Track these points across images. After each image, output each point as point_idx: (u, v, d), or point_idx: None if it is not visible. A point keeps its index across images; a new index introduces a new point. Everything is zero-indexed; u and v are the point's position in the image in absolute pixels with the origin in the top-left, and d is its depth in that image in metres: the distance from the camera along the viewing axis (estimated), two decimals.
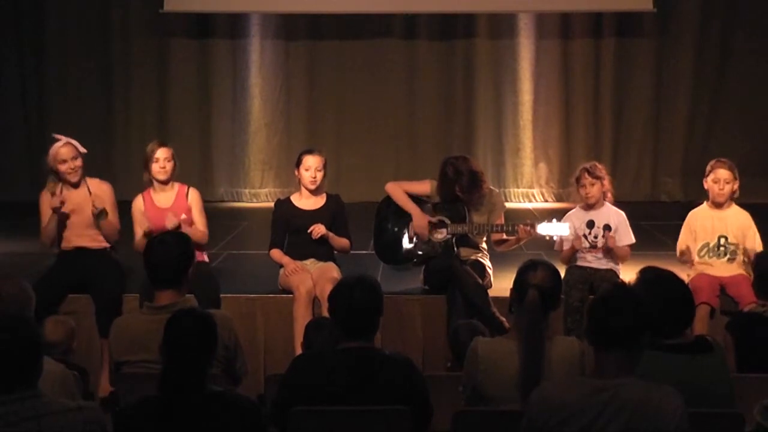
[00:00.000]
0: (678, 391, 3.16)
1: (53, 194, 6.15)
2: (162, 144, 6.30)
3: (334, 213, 6.32)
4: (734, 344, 4.51)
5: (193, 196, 6.33)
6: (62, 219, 6.16)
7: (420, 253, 6.31)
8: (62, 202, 6.07)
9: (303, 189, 6.33)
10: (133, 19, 10.59)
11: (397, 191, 6.41)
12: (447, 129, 10.75)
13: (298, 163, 6.33)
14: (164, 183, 6.26)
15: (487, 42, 10.64)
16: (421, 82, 10.72)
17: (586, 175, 6.07)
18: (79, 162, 6.17)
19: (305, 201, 6.33)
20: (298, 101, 10.77)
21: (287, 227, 6.33)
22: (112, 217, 6.26)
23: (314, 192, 6.31)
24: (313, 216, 6.26)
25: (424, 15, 10.55)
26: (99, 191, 6.25)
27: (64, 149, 6.13)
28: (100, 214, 6.11)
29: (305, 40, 10.70)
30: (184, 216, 6.18)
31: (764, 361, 4.16)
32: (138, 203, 6.29)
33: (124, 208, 6.36)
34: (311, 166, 6.24)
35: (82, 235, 6.21)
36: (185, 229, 6.04)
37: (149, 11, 10.41)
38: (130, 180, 9.65)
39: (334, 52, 10.70)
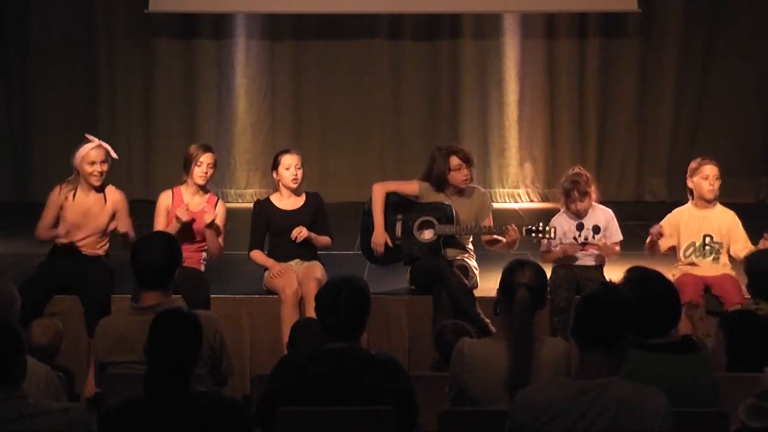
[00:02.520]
0: (663, 390, 3.18)
1: (66, 196, 6.12)
2: (208, 149, 6.32)
3: (314, 211, 6.35)
4: (726, 342, 4.51)
5: (221, 208, 6.34)
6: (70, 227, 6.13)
7: (406, 253, 6.34)
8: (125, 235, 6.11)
9: (283, 189, 6.34)
10: (118, 19, 10.56)
11: (378, 197, 6.41)
12: (432, 129, 10.76)
13: (276, 165, 6.34)
14: (202, 188, 6.29)
15: (472, 42, 10.67)
16: (407, 82, 10.74)
17: (575, 192, 6.04)
18: (106, 167, 6.13)
19: (286, 201, 6.35)
20: (283, 101, 10.78)
21: (268, 228, 6.36)
22: (129, 228, 6.20)
23: (295, 191, 6.33)
24: (295, 216, 6.29)
25: (409, 15, 10.56)
26: (113, 198, 6.23)
27: (95, 151, 6.08)
28: (210, 225, 6.16)
29: (290, 41, 10.71)
30: (194, 219, 6.16)
31: (755, 358, 4.14)
32: (166, 198, 6.31)
33: None
34: (291, 165, 6.27)
35: (87, 239, 6.15)
36: (210, 237, 6.17)
37: (134, 11, 10.37)
38: (115, 180, 9.63)
39: (319, 52, 10.72)
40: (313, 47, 10.71)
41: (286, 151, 6.40)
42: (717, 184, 6.06)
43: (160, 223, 6.23)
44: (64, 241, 6.05)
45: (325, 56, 10.71)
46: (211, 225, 6.16)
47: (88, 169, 6.06)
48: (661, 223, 6.18)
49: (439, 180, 6.29)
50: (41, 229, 6.18)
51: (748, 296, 5.18)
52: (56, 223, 6.16)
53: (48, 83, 10.60)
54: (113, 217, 6.23)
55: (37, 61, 10.58)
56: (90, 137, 6.16)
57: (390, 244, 6.34)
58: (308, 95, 10.79)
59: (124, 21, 10.56)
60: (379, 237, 6.31)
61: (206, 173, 6.24)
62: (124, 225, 6.20)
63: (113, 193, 6.25)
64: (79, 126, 10.34)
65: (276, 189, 6.42)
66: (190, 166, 6.24)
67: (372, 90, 10.79)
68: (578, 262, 6.03)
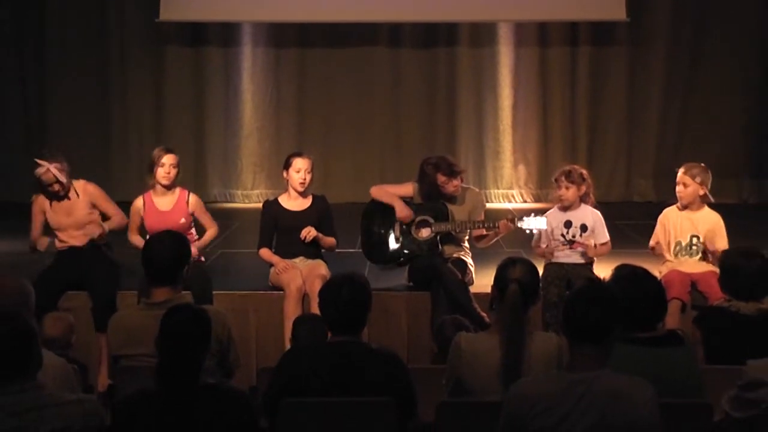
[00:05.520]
0: (650, 382, 3.21)
1: (44, 206, 6.27)
2: (169, 150, 6.42)
3: (320, 213, 6.39)
4: (702, 338, 4.54)
5: (193, 201, 6.47)
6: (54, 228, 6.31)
7: (406, 252, 6.42)
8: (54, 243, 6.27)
9: (291, 190, 6.39)
10: (130, 27, 10.66)
11: (381, 192, 6.55)
12: (430, 133, 10.83)
13: (287, 165, 6.38)
14: (167, 188, 6.39)
15: (468, 50, 10.76)
16: (406, 88, 10.82)
17: (563, 178, 6.15)
18: (62, 180, 6.19)
19: (293, 202, 6.41)
20: (287, 106, 10.84)
21: (275, 227, 6.39)
22: (112, 210, 6.39)
23: (302, 193, 6.38)
24: (301, 216, 6.34)
25: (409, 24, 10.64)
26: (86, 193, 6.35)
27: (45, 177, 6.16)
28: (94, 239, 6.24)
29: (295, 48, 10.78)
30: (183, 220, 6.33)
31: (729, 353, 4.19)
32: (138, 204, 6.42)
33: (122, 209, 6.48)
34: (301, 168, 6.32)
35: (73, 236, 6.29)
36: (202, 245, 6.39)
37: (145, 20, 10.48)
38: (127, 182, 9.88)
39: (322, 59, 10.78)
40: (317, 54, 10.80)
41: (299, 154, 6.44)
42: (681, 189, 6.13)
43: (134, 229, 6.39)
44: (60, 246, 6.24)
45: (328, 63, 10.78)
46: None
47: (49, 189, 6.24)
48: (654, 231, 6.26)
49: (430, 192, 6.38)
50: (33, 239, 6.31)
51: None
52: (47, 230, 6.33)
53: (63, 89, 10.69)
54: (93, 208, 6.36)
55: (52, 68, 10.67)
56: (39, 162, 6.17)
57: (411, 213, 6.38)
58: (312, 100, 10.86)
59: (136, 30, 10.65)
60: (404, 209, 6.38)
61: (169, 173, 6.33)
62: (108, 210, 6.37)
63: (84, 186, 6.36)
64: (93, 130, 10.65)
65: (286, 189, 6.48)
66: (155, 168, 6.35)
67: (372, 95, 10.86)
68: (568, 260, 6.08)
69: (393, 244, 6.51)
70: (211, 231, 6.55)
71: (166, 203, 6.43)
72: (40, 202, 6.34)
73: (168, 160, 6.38)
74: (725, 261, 4.79)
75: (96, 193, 6.42)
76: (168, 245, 4.34)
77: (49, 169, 6.16)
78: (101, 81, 10.79)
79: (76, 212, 6.31)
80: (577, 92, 10.86)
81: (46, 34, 10.69)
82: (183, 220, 6.37)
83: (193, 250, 5.93)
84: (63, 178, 6.20)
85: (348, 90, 10.89)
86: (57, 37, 10.68)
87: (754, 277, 4.60)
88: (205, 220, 6.56)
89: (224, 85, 10.85)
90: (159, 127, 10.84)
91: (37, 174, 6.19)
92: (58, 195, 6.28)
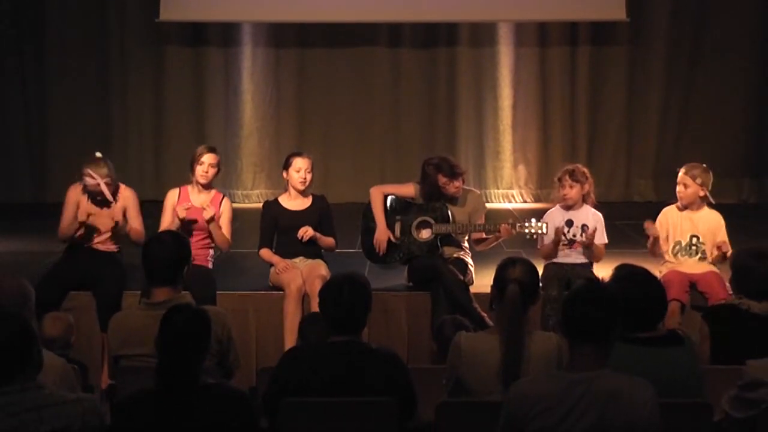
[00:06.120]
0: (650, 382, 3.23)
1: (80, 198, 6.26)
2: (211, 149, 6.45)
3: (320, 213, 6.42)
4: (710, 333, 4.60)
5: (225, 205, 6.46)
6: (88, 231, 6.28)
7: (406, 252, 6.43)
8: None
9: (291, 190, 6.43)
10: (130, 27, 10.64)
11: (377, 199, 6.52)
12: (430, 133, 10.83)
13: (287, 165, 6.40)
14: (204, 186, 6.40)
15: (468, 50, 10.72)
16: (406, 88, 10.77)
17: (567, 177, 6.18)
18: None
19: (293, 202, 6.44)
20: (287, 106, 10.82)
21: (276, 227, 6.42)
22: (138, 224, 6.37)
23: (302, 193, 6.41)
24: (301, 216, 6.37)
25: (409, 24, 10.65)
26: (122, 198, 6.36)
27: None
28: (116, 226, 6.27)
29: (295, 48, 10.74)
30: (196, 219, 6.29)
31: (737, 351, 4.21)
32: (173, 196, 6.43)
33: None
34: (302, 168, 6.35)
35: (103, 239, 6.33)
36: (215, 230, 6.28)
37: (145, 20, 10.46)
38: (126, 182, 9.73)
39: (322, 59, 10.74)
40: (317, 54, 10.75)
41: (299, 154, 6.46)
42: (681, 189, 6.16)
43: (165, 220, 6.34)
44: (83, 226, 6.17)
45: (328, 63, 10.73)
46: (211, 221, 6.23)
47: (199, 168, 6.33)
48: (654, 224, 6.22)
49: (431, 193, 6.40)
50: (64, 228, 6.29)
51: (731, 292, 5.18)
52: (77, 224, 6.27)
53: (63, 89, 10.69)
54: (124, 214, 6.36)
55: (52, 68, 10.68)
56: (91, 174, 6.17)
57: (393, 239, 6.41)
58: (312, 100, 10.83)
59: (136, 30, 10.62)
60: (382, 234, 6.40)
61: (207, 172, 6.34)
62: (133, 221, 6.33)
63: (123, 191, 6.38)
64: (93, 130, 10.64)
65: (286, 189, 6.50)
66: (194, 165, 6.37)
67: (372, 95, 10.82)
68: (567, 260, 6.11)
69: (393, 244, 6.50)
70: (224, 239, 6.42)
71: (200, 201, 6.40)
72: (77, 193, 6.32)
73: (208, 159, 6.39)
74: (736, 262, 4.82)
75: (131, 200, 6.42)
76: (168, 245, 4.36)
77: (100, 185, 6.18)
78: (101, 81, 10.78)
79: (111, 216, 6.31)
80: (577, 92, 10.83)
81: (46, 34, 10.69)
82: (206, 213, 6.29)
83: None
84: (109, 193, 6.20)
85: (348, 90, 10.87)
86: (57, 37, 10.68)
87: (766, 278, 4.64)
88: (226, 228, 6.45)
89: (224, 85, 10.81)
90: (159, 127, 10.83)
91: (86, 183, 6.21)
92: (202, 181, 6.38)
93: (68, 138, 10.48)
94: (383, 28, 10.73)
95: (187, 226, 6.22)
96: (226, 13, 10.45)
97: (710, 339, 4.60)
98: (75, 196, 6.34)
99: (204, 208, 6.27)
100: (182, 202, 6.35)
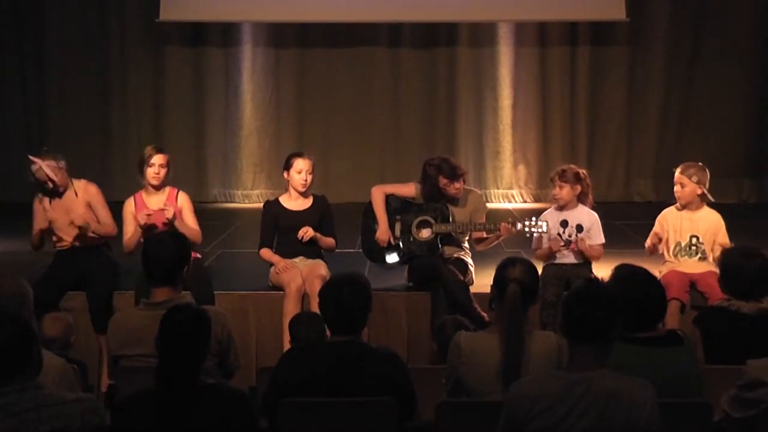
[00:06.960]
0: (649, 382, 3.23)
1: (44, 204, 6.22)
2: (159, 150, 6.37)
3: (321, 213, 6.41)
4: (701, 337, 4.54)
5: (183, 199, 6.39)
6: (53, 227, 6.23)
7: (406, 252, 6.42)
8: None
9: (292, 190, 6.40)
10: (130, 27, 10.69)
11: (378, 198, 6.51)
12: (430, 133, 10.86)
13: (288, 166, 6.38)
14: (156, 188, 6.33)
15: (468, 50, 10.79)
16: (406, 88, 10.84)
17: (557, 178, 6.17)
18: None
19: (293, 202, 6.42)
20: (287, 106, 10.87)
21: (276, 227, 6.40)
22: (105, 216, 6.31)
23: (303, 193, 6.40)
24: (301, 216, 6.35)
25: (409, 24, 10.68)
26: (86, 193, 6.32)
27: (39, 173, 6.14)
28: (81, 229, 6.17)
29: (295, 48, 10.81)
30: (155, 224, 6.16)
31: (729, 353, 4.21)
32: (129, 205, 6.36)
33: (120, 208, 6.44)
34: (303, 169, 6.32)
35: (70, 234, 6.26)
36: (181, 227, 6.08)
37: (146, 20, 10.52)
38: (126, 182, 9.70)
39: (322, 59, 10.81)
40: (317, 54, 10.82)
41: (299, 155, 6.43)
42: (685, 188, 6.13)
43: (128, 230, 6.27)
44: (60, 245, 6.22)
45: (328, 63, 10.81)
46: (172, 220, 6.13)
47: (149, 170, 6.28)
48: (654, 230, 6.24)
49: (432, 194, 6.39)
50: (33, 238, 6.28)
51: None
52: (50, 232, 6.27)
53: (63, 89, 10.73)
54: (90, 209, 6.31)
55: (52, 68, 10.71)
56: (33, 159, 6.16)
57: (392, 241, 6.41)
58: (312, 100, 10.88)
59: (136, 30, 10.68)
60: (384, 233, 6.40)
61: (158, 173, 6.26)
62: (100, 214, 6.28)
63: (86, 186, 6.34)
64: (93, 129, 10.67)
65: (286, 189, 6.49)
66: (144, 168, 6.29)
67: (372, 95, 10.88)
68: (566, 260, 6.09)
69: (394, 243, 6.50)
70: (193, 233, 6.26)
71: (156, 202, 6.34)
72: (41, 200, 6.29)
73: (157, 160, 6.32)
74: (725, 261, 4.78)
75: (95, 195, 6.38)
76: (168, 245, 4.35)
77: (42, 167, 6.13)
78: (101, 81, 10.82)
79: (73, 211, 6.24)
80: (577, 92, 10.89)
81: (46, 34, 10.72)
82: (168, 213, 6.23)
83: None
84: (56, 177, 6.14)
85: (348, 90, 10.91)
86: (57, 37, 10.72)
87: (755, 277, 4.58)
88: (191, 220, 6.39)
89: (224, 85, 10.88)
90: (159, 127, 10.87)
91: (32, 171, 6.16)
92: (53, 192, 6.23)
93: (68, 138, 10.49)
94: (383, 28, 10.80)
95: (149, 232, 6.06)
96: (226, 13, 10.51)
97: (702, 343, 4.55)
98: (40, 204, 6.30)
99: (163, 209, 6.21)
100: (140, 209, 6.27)
